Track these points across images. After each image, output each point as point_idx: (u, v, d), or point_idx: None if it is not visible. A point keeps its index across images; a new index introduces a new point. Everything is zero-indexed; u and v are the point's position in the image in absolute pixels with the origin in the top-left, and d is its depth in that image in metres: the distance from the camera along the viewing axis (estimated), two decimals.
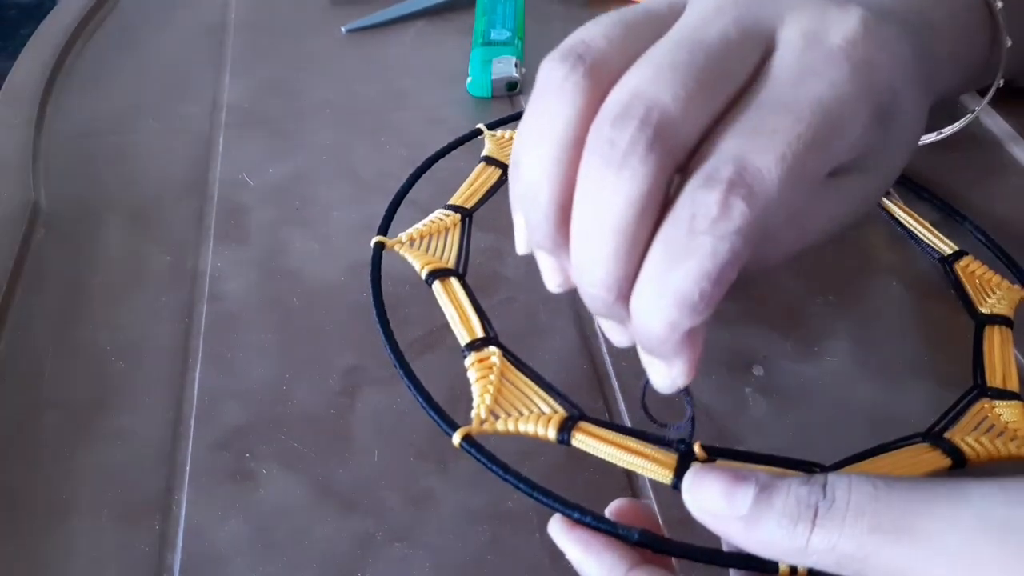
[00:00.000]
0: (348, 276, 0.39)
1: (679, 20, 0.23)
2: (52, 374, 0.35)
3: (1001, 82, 0.38)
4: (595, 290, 0.22)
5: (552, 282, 0.27)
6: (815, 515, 0.18)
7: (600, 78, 0.21)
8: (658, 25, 0.22)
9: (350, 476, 0.32)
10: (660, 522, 0.25)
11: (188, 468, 0.32)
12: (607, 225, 0.21)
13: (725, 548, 0.22)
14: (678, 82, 0.20)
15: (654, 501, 0.31)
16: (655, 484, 0.24)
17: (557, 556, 0.23)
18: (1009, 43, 0.36)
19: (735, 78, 0.22)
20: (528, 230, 0.23)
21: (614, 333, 0.26)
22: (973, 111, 0.42)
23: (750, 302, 0.39)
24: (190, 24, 0.58)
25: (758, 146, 0.20)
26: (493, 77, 0.50)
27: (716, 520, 0.20)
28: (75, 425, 0.33)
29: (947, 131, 0.43)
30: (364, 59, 0.55)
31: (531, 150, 0.22)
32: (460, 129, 0.38)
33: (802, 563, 0.19)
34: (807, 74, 0.21)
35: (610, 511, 0.23)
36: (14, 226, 0.41)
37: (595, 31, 0.22)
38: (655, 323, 0.21)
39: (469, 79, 0.51)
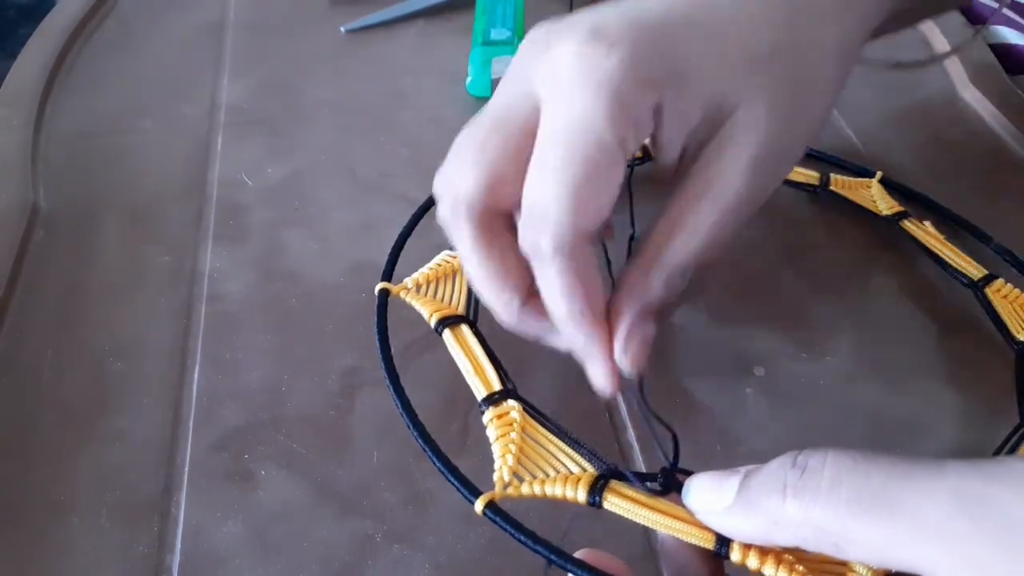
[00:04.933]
0: (347, 276, 0.39)
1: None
2: (51, 375, 0.35)
3: None
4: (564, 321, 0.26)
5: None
6: (785, 486, 0.18)
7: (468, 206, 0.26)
8: (512, 125, 0.26)
9: (349, 477, 0.31)
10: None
11: (187, 469, 0.32)
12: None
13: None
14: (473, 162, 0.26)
15: None
16: None
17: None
18: None
19: (515, 132, 0.26)
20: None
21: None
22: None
23: (751, 302, 0.39)
24: (189, 24, 0.58)
25: (536, 184, 0.24)
26: (493, 76, 0.50)
27: (711, 517, 0.20)
28: (74, 426, 0.33)
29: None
30: (364, 59, 0.55)
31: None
32: (460, 129, 0.38)
33: (783, 540, 0.19)
34: (552, 115, 0.25)
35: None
36: (13, 226, 0.41)
37: (448, 169, 0.27)
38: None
39: (469, 79, 0.51)
